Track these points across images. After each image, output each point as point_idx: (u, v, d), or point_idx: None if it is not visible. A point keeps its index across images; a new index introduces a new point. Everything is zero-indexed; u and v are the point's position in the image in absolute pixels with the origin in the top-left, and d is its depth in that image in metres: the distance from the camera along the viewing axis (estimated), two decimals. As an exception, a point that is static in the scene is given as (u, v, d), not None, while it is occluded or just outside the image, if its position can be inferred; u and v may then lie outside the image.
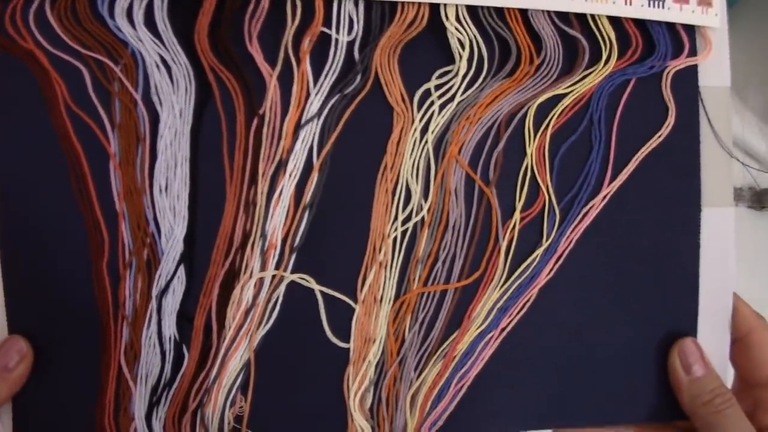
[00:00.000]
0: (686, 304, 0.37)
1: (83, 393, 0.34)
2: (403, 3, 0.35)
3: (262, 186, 0.35)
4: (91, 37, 0.34)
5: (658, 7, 0.36)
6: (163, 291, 0.34)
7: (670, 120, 0.37)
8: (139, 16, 0.34)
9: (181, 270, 0.34)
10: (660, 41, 0.37)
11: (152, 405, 0.34)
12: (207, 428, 0.34)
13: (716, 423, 0.35)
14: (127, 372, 0.34)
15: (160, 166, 0.35)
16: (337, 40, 0.35)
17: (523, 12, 0.36)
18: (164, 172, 0.35)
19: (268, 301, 0.35)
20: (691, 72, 0.37)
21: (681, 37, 0.37)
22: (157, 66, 0.34)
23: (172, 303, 0.35)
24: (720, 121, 0.37)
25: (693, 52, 0.37)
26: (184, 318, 0.35)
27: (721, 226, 0.37)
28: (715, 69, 0.37)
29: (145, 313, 0.34)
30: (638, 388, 0.37)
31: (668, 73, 0.37)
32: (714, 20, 0.37)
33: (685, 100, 0.37)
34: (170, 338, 0.35)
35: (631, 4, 0.36)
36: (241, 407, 0.35)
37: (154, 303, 0.34)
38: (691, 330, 0.37)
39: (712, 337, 0.37)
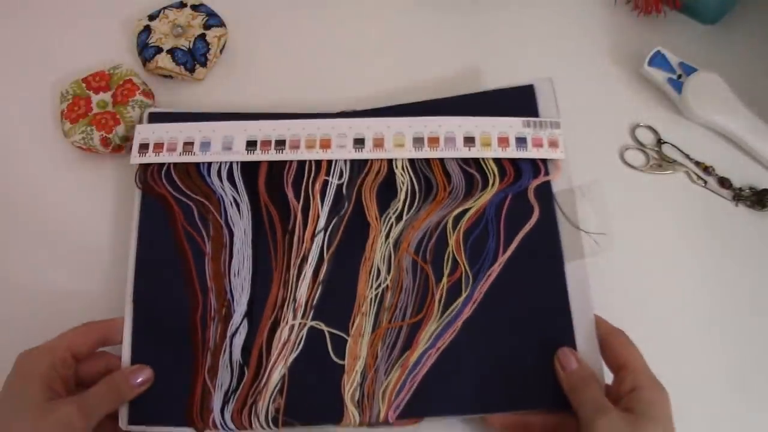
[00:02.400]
0: (564, 325, 0.56)
1: (181, 396, 0.56)
2: (371, 160, 0.62)
3: (293, 272, 0.59)
4: (196, 186, 0.61)
5: (523, 149, 0.61)
6: (234, 334, 0.57)
7: (536, 214, 0.59)
8: (223, 174, 0.61)
9: (245, 321, 0.58)
10: (525, 170, 0.61)
11: (224, 403, 0.56)
12: (258, 417, 0.55)
13: (576, 397, 0.51)
14: (209, 383, 0.56)
15: (235, 261, 0.60)
16: (332, 183, 0.61)
17: (441, 160, 0.61)
18: (237, 265, 0.59)
19: (297, 338, 0.57)
20: (547, 183, 0.60)
21: (539, 165, 0.61)
22: (231, 204, 0.61)
23: (239, 341, 0.57)
24: (568, 209, 0.59)
25: (547, 172, 0.60)
26: (246, 349, 0.57)
27: (578, 271, 0.57)
28: (562, 180, 0.60)
29: (222, 346, 0.57)
30: (536, 384, 0.55)
31: (531, 187, 0.60)
32: (560, 154, 0.61)
33: (545, 199, 0.60)
34: (236, 362, 0.57)
35: (505, 150, 0.61)
36: (279, 403, 0.56)
37: (228, 341, 0.57)
38: (571, 341, 0.55)
39: (585, 344, 0.55)
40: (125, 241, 0.61)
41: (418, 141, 0.61)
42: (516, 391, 0.55)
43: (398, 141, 0.62)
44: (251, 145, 0.62)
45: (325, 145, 0.62)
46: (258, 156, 0.62)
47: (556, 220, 0.60)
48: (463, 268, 0.58)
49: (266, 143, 0.62)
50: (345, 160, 0.62)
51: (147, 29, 0.69)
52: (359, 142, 0.62)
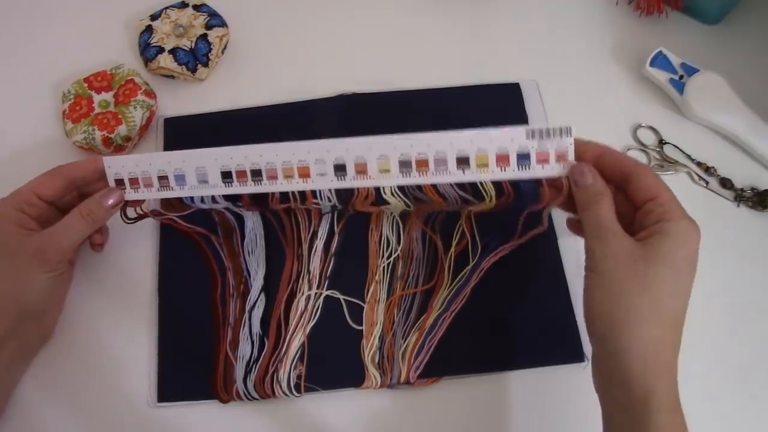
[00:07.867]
0: (561, 292, 0.60)
1: (206, 372, 0.58)
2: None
3: (305, 246, 0.61)
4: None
5: (526, 168, 0.52)
6: (252, 307, 0.59)
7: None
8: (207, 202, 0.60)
9: (262, 295, 0.60)
10: (525, 191, 0.53)
11: (246, 373, 0.57)
12: (280, 384, 0.56)
13: (588, 215, 0.48)
14: (231, 355, 0.58)
15: (247, 241, 0.62)
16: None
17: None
18: (250, 244, 0.62)
19: (314, 307, 0.59)
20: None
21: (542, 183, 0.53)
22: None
23: (258, 314, 0.59)
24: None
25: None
26: (265, 321, 0.59)
27: (570, 247, 0.62)
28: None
29: (242, 320, 0.59)
30: (540, 345, 0.58)
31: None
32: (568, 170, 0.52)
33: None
34: (256, 334, 0.58)
35: (505, 170, 0.52)
36: (300, 370, 0.57)
37: (246, 315, 0.59)
38: (568, 305, 0.59)
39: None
40: (127, 239, 0.63)
41: (405, 164, 0.54)
42: (525, 350, 0.58)
43: (383, 166, 0.54)
44: (227, 176, 0.56)
45: (304, 173, 0.55)
46: (236, 189, 0.56)
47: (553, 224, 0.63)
48: (469, 238, 0.61)
49: (242, 174, 0.56)
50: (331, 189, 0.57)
51: (149, 29, 0.72)
52: (340, 169, 0.55)
